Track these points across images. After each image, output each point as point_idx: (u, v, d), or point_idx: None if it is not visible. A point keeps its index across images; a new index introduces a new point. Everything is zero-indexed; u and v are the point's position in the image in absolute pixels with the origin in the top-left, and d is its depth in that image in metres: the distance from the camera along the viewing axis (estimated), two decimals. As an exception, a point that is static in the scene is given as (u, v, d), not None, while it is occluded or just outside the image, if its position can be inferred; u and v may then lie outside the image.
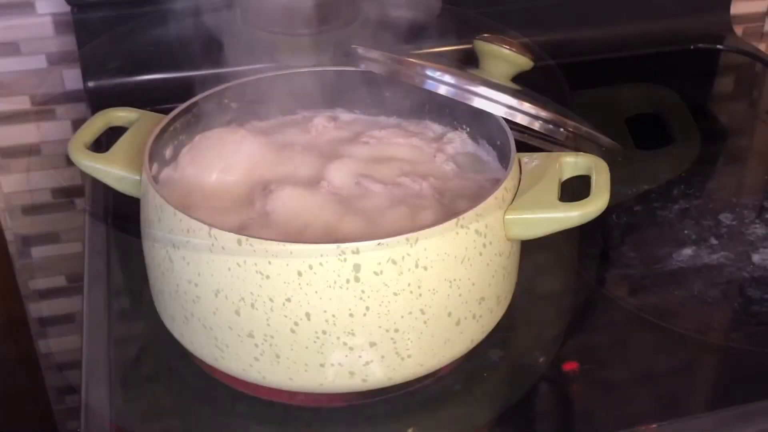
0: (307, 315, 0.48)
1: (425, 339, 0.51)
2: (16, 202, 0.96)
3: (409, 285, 0.49)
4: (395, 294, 0.49)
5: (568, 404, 0.56)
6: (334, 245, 0.47)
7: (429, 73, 0.62)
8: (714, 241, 0.67)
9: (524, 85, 0.70)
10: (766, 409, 0.54)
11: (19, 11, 0.86)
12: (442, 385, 0.55)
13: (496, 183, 0.53)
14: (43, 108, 0.92)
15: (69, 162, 0.90)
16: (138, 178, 0.58)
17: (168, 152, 0.61)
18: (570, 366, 0.57)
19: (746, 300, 0.62)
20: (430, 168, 0.60)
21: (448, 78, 0.61)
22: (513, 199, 0.53)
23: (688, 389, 0.57)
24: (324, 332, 0.49)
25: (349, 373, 0.51)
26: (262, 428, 0.53)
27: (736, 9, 1.03)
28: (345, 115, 0.68)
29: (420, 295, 0.49)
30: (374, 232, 0.53)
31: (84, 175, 0.75)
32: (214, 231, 0.48)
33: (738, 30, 1.04)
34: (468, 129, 0.64)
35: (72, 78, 0.91)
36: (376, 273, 0.48)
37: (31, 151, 0.94)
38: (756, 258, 0.66)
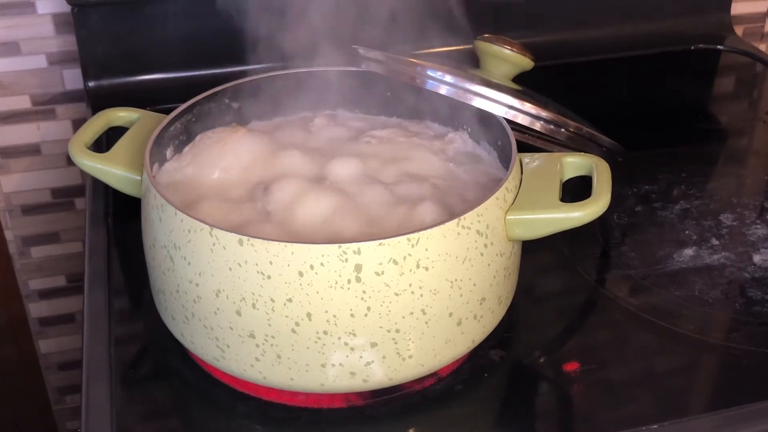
0: (308, 315, 0.48)
1: (426, 339, 0.51)
2: (16, 202, 0.96)
3: (410, 285, 0.49)
4: (396, 294, 0.49)
5: (568, 404, 0.56)
6: (336, 245, 0.47)
7: (430, 73, 0.62)
8: (715, 242, 0.67)
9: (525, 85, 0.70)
10: (766, 409, 0.54)
11: (19, 11, 0.87)
12: (443, 386, 0.55)
13: (498, 183, 0.53)
14: (43, 108, 0.92)
15: (69, 162, 0.90)
16: (138, 178, 0.58)
17: (169, 152, 0.61)
18: (570, 366, 0.57)
19: (747, 300, 0.62)
20: (431, 168, 0.60)
21: (448, 78, 0.61)
22: (514, 200, 0.54)
23: (688, 389, 0.57)
24: (325, 332, 0.49)
25: (350, 374, 0.51)
26: (263, 428, 0.53)
27: (736, 9, 1.03)
28: (346, 115, 0.68)
29: (421, 295, 0.49)
30: (375, 232, 0.53)
31: (84, 175, 0.75)
32: (216, 231, 0.48)
33: (738, 30, 1.05)
34: (469, 129, 0.64)
35: (72, 78, 0.91)
36: (377, 273, 0.48)
37: (31, 151, 0.94)
38: (757, 258, 0.66)
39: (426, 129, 0.66)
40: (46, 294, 1.04)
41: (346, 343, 0.49)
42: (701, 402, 0.56)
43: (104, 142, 0.69)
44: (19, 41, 0.88)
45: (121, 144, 0.60)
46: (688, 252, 0.66)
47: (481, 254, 0.51)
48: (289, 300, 0.48)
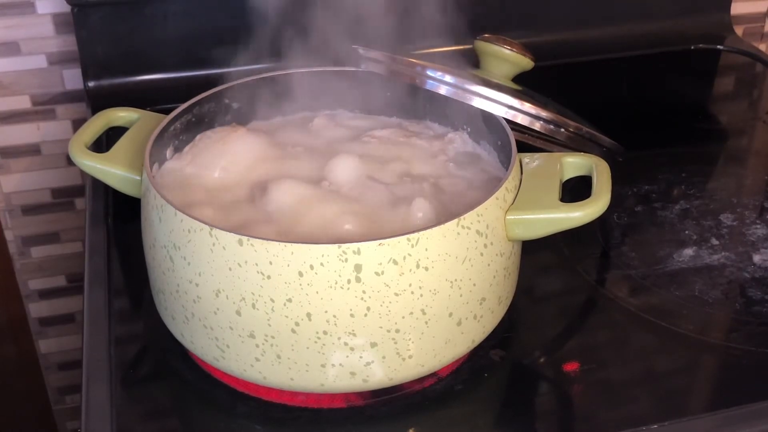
0: (308, 315, 0.48)
1: (426, 339, 0.51)
2: (16, 202, 0.96)
3: (410, 285, 0.49)
4: (396, 294, 0.49)
5: (568, 404, 0.56)
6: (336, 245, 0.47)
7: (429, 73, 0.62)
8: (715, 242, 0.67)
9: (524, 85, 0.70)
10: (766, 409, 0.54)
11: (19, 11, 0.87)
12: (443, 386, 0.55)
13: (497, 183, 0.53)
14: (43, 108, 0.92)
15: (69, 162, 0.90)
16: (138, 178, 0.58)
17: (169, 152, 0.61)
18: (570, 366, 0.57)
19: (747, 300, 0.62)
20: (431, 168, 0.60)
21: (448, 78, 0.61)
22: (514, 200, 0.54)
23: (688, 389, 0.57)
24: (325, 332, 0.49)
25: (350, 374, 0.51)
26: (263, 429, 0.53)
27: (736, 9, 1.03)
28: (346, 115, 0.68)
29: (421, 295, 0.49)
30: (375, 232, 0.53)
31: (84, 175, 0.75)
32: (215, 231, 0.48)
33: (738, 30, 1.05)
34: (469, 129, 0.64)
35: (72, 78, 0.91)
36: (377, 273, 0.48)
37: (31, 151, 0.94)
38: (757, 258, 0.66)
39: (426, 129, 0.66)
40: (46, 294, 1.04)
41: (346, 343, 0.49)
42: (701, 402, 0.56)
43: (104, 142, 0.69)
44: (19, 41, 0.88)
45: (121, 144, 0.60)
46: (688, 252, 0.66)
47: (481, 254, 0.51)
48: (289, 300, 0.48)
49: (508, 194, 0.53)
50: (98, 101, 0.83)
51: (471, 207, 0.50)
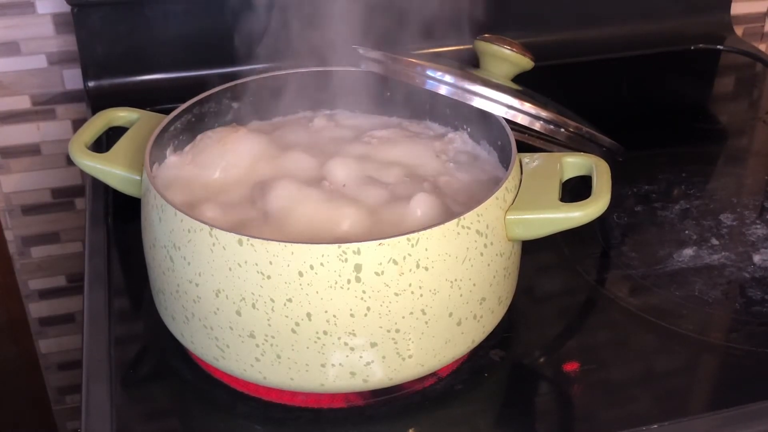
0: (308, 315, 0.48)
1: (426, 339, 0.51)
2: (16, 202, 0.96)
3: (410, 285, 0.49)
4: (396, 294, 0.49)
5: (568, 404, 0.56)
6: (335, 245, 0.47)
7: (429, 73, 0.62)
8: (715, 242, 0.67)
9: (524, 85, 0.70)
10: (766, 409, 0.54)
11: (19, 11, 0.87)
12: (443, 386, 0.55)
13: (497, 183, 0.53)
14: (43, 108, 0.92)
15: (69, 162, 0.91)
16: (138, 178, 0.58)
17: (169, 152, 0.61)
18: (570, 366, 0.57)
19: (747, 300, 0.62)
20: (431, 168, 0.60)
21: (448, 78, 0.61)
22: (514, 200, 0.54)
23: (688, 389, 0.57)
24: (325, 332, 0.49)
25: (350, 374, 0.51)
26: (263, 428, 0.53)
27: (736, 9, 1.03)
28: (345, 115, 0.68)
29: (421, 295, 0.49)
30: (375, 232, 0.53)
31: (84, 175, 0.75)
32: (215, 231, 0.48)
33: (738, 30, 1.05)
34: (469, 129, 0.64)
35: (72, 78, 0.91)
36: (377, 273, 0.48)
37: (31, 151, 0.94)
38: (757, 258, 0.66)
39: (426, 129, 0.66)
40: (46, 294, 1.04)
41: (346, 343, 0.49)
42: (701, 402, 0.56)
43: (104, 142, 0.69)
44: (19, 41, 0.88)
45: (121, 144, 0.61)
46: (688, 252, 0.66)
47: (481, 254, 0.51)
48: (289, 300, 0.48)
49: (508, 194, 0.53)
50: (98, 101, 0.83)
51: (471, 207, 0.50)
